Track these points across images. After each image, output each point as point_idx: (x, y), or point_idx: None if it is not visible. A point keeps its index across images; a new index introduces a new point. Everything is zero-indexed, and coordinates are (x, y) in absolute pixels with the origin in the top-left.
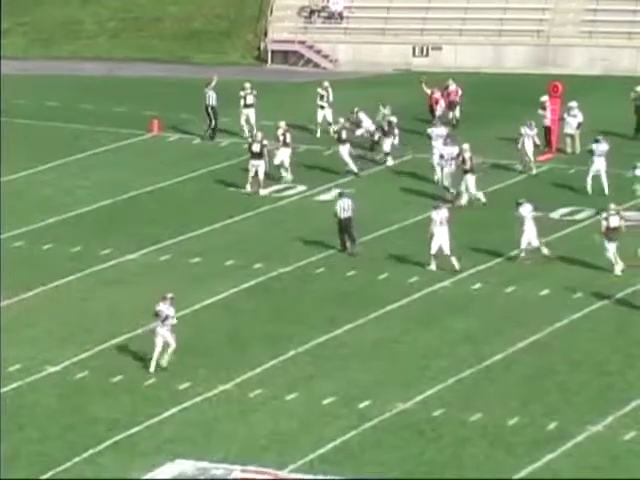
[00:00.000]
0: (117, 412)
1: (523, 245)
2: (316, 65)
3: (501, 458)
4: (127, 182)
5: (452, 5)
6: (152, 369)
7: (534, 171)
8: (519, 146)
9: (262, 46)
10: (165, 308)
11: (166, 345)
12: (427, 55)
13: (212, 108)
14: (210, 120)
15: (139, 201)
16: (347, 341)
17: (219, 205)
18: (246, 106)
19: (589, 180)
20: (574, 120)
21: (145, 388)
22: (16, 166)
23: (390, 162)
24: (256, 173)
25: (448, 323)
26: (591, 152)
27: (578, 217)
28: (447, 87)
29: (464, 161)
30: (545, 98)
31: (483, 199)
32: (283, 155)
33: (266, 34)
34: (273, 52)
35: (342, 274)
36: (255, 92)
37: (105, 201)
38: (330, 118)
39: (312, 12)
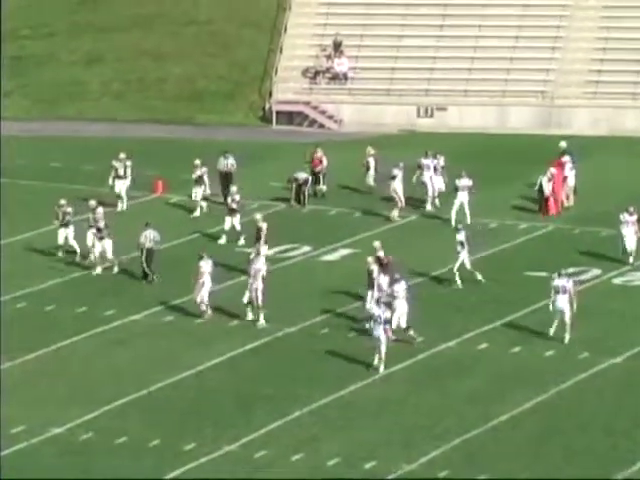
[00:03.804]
0: (122, 473)
1: (202, 300)
2: (321, 126)
3: None
4: (131, 243)
5: (456, 66)
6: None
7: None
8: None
9: (267, 107)
10: (381, 311)
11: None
12: (432, 116)
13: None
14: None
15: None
16: (352, 401)
17: (223, 265)
18: (118, 177)
19: (453, 214)
20: (571, 174)
21: (150, 449)
22: (19, 227)
23: (223, 241)
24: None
25: (453, 383)
26: (455, 188)
27: (584, 277)
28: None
29: (259, 232)
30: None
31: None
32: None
33: (271, 95)
34: (278, 113)
35: (347, 335)
36: (129, 163)
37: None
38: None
39: (317, 73)
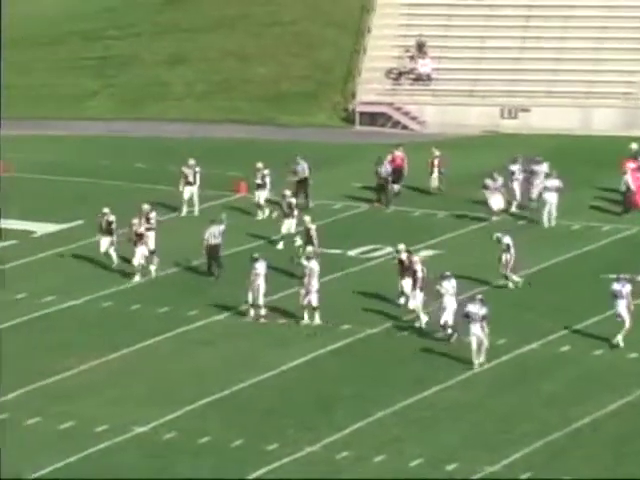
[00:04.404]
0: (204, 473)
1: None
2: (404, 127)
3: None
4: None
5: (540, 67)
6: (476, 365)
7: None
8: None
9: (350, 108)
10: (476, 309)
11: (480, 344)
12: (515, 117)
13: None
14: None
15: (226, 262)
16: (434, 403)
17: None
18: (188, 183)
19: (545, 214)
20: None
21: (232, 449)
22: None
23: (281, 246)
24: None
25: (536, 386)
26: (545, 188)
27: None
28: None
29: (309, 233)
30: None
31: None
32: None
33: (354, 96)
34: (361, 114)
35: (429, 336)
36: (198, 169)
37: (193, 262)
38: (262, 200)
39: (400, 74)
